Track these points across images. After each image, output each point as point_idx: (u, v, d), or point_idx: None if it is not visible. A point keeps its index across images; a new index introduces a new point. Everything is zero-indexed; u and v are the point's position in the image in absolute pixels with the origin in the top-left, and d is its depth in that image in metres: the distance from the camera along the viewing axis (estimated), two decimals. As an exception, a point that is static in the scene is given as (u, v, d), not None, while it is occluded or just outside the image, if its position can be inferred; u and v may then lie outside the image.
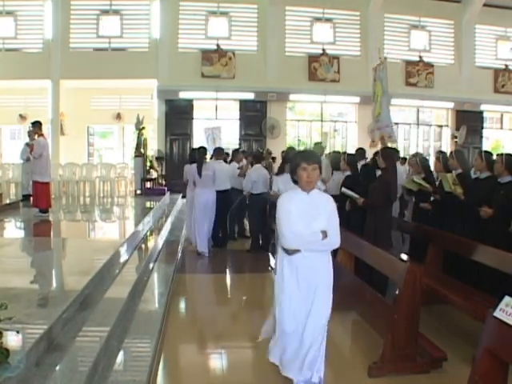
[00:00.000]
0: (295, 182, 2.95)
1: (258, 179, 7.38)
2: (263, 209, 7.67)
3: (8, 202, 9.92)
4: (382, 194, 4.97)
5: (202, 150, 7.47)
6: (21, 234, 7.39)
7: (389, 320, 3.42)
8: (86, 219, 9.04)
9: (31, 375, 2.49)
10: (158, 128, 14.46)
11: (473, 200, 4.76)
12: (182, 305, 5.20)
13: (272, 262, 6.51)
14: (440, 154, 6.12)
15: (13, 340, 2.51)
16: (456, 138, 15.45)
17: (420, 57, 15.32)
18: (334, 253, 5.21)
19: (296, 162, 2.90)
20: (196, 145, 12.63)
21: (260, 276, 6.04)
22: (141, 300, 4.43)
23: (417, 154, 7.64)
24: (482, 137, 16.03)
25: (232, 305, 5.27)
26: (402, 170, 8.65)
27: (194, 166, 7.27)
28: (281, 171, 6.50)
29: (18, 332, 2.48)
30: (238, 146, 13.63)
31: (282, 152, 10.01)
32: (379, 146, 8.02)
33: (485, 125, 16.30)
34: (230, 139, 14.68)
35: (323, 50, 14.68)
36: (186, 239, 8.10)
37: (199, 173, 7.14)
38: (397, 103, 15.53)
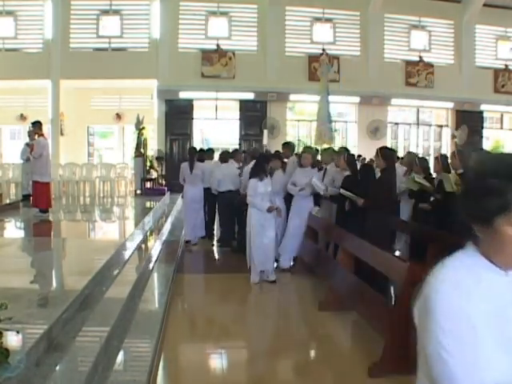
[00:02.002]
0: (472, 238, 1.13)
1: (223, 177, 7.68)
2: (230, 205, 7.85)
3: (8, 202, 9.93)
4: (383, 195, 4.97)
5: (193, 149, 8.33)
6: (21, 234, 7.39)
7: (389, 320, 3.42)
8: (86, 219, 9.04)
9: (31, 375, 2.49)
10: (158, 128, 14.45)
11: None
12: (182, 305, 5.20)
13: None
14: (440, 155, 6.13)
15: (13, 340, 2.51)
16: (456, 137, 15.44)
17: (420, 57, 15.31)
18: (334, 253, 5.27)
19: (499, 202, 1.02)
20: (195, 145, 12.76)
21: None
22: (141, 300, 4.43)
23: (409, 154, 7.69)
24: (481, 137, 16.02)
25: (232, 305, 5.26)
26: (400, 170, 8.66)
27: (187, 164, 7.91)
28: (261, 173, 5.63)
29: (18, 332, 2.48)
30: (237, 146, 13.65)
31: (250, 148, 10.16)
32: (325, 145, 8.53)
33: (485, 125, 16.30)
34: (230, 139, 14.68)
35: (323, 49, 14.68)
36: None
37: (191, 170, 7.73)
38: (397, 103, 15.59)
